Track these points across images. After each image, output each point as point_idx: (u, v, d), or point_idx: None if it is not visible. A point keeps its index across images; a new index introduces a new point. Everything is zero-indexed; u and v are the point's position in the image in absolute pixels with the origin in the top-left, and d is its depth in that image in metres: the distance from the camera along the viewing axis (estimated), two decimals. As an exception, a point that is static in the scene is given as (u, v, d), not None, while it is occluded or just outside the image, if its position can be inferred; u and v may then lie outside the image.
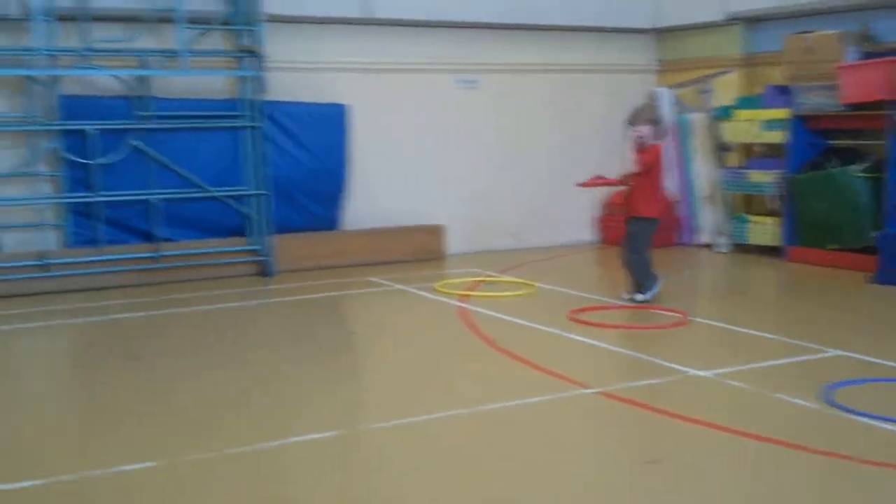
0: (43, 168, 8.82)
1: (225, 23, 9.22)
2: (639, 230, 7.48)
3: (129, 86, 8.89)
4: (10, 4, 8.28)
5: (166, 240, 9.14)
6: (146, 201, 9.03)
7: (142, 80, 8.90)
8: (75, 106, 8.72)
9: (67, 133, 8.73)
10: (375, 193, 10.26)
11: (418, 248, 10.24)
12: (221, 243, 9.37)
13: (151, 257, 9.02)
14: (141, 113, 8.90)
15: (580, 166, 9.96)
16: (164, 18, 8.76)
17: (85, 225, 8.96)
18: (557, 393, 5.21)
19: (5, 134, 8.65)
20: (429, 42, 10.49)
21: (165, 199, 9.07)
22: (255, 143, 9.37)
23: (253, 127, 9.35)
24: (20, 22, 8.44)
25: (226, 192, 9.33)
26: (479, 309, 7.42)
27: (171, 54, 8.87)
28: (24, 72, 8.42)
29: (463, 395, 5.20)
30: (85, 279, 8.68)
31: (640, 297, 7.47)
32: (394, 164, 10.42)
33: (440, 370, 5.81)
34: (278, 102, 9.52)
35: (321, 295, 8.37)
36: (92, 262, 8.80)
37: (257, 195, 9.41)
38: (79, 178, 8.85)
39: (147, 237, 9.11)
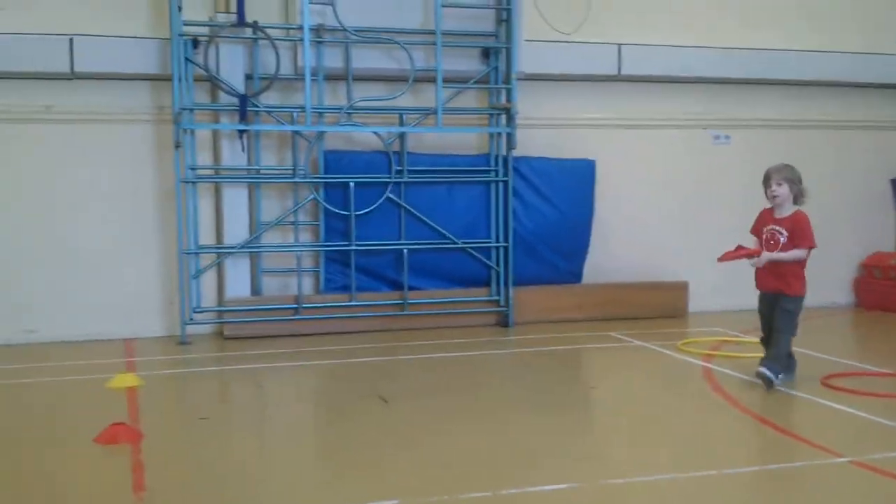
0: (304, 218, 9.44)
1: (481, 82, 9.56)
2: (793, 309, 6.57)
3: (386, 142, 9.38)
4: (283, 65, 8.98)
5: (413, 288, 9.49)
6: (396, 251, 9.43)
7: (399, 136, 9.36)
8: (337, 160, 9.30)
9: (329, 185, 9.31)
10: (618, 248, 10.20)
11: (660, 305, 10.04)
12: (464, 293, 9.62)
13: (399, 304, 9.40)
14: (396, 167, 9.35)
15: (837, 227, 9.44)
16: (423, 78, 9.21)
17: (339, 272, 9.47)
18: (805, 460, 4.91)
19: (272, 186, 9.35)
20: (676, 97, 10.43)
21: (414, 250, 9.44)
22: (503, 197, 9.58)
23: (501, 181, 9.59)
24: (291, 81, 9.16)
25: (471, 243, 9.58)
26: (723, 369, 7.15)
27: (427, 112, 9.30)
28: (293, 128, 9.09)
29: (703, 456, 5.01)
30: (337, 323, 9.17)
31: (767, 371, 6.42)
32: (637, 219, 10.33)
33: (681, 429, 5.64)
34: (526, 158, 9.71)
35: (560, 347, 8.37)
36: (344, 307, 9.29)
37: (501, 247, 9.60)
38: (336, 227, 9.40)
39: (395, 285, 9.50)
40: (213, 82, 8.96)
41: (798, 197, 6.52)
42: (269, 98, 9.13)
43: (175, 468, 4.91)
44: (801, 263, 6.55)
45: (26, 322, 8.81)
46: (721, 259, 6.60)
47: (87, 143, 8.93)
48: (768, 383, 6.37)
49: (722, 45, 10.25)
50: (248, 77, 9.05)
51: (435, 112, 9.18)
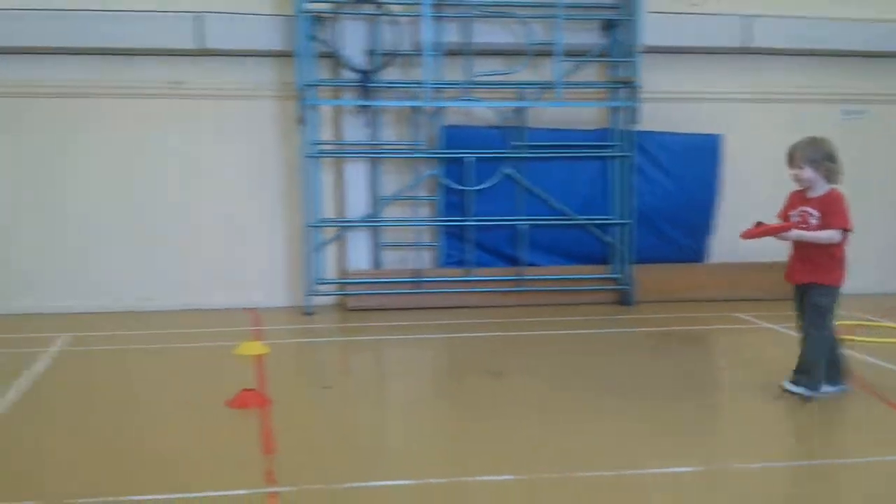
0: (423, 193, 9.50)
1: (602, 55, 9.41)
2: (825, 304, 5.57)
3: (505, 116, 9.34)
4: (404, 41, 9.04)
5: (530, 264, 9.46)
6: (514, 227, 9.41)
7: (518, 111, 9.31)
8: (456, 135, 9.32)
9: (447, 160, 9.34)
10: (745, 226, 9.83)
11: (789, 286, 9.69)
12: (583, 270, 9.53)
13: (515, 280, 9.38)
14: (515, 143, 9.31)
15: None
16: (543, 52, 9.12)
17: (457, 247, 9.52)
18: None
19: (392, 161, 9.44)
20: (808, 70, 10.02)
21: (532, 226, 9.40)
22: (624, 172, 9.44)
23: (622, 157, 9.44)
24: (411, 57, 9.20)
25: (591, 220, 9.47)
26: (856, 354, 6.88)
27: (546, 86, 9.21)
28: (413, 103, 9.14)
29: (833, 443, 4.86)
30: (454, 297, 9.22)
31: (794, 387, 5.58)
32: (763, 197, 9.97)
33: (811, 414, 5.45)
34: (650, 132, 9.53)
35: (681, 328, 8.21)
36: (461, 281, 9.34)
37: (622, 224, 9.46)
38: (454, 202, 9.43)
39: (512, 261, 9.49)
40: (335, 59, 9.09)
41: (830, 175, 5.53)
42: (390, 74, 9.20)
43: (301, 433, 5.03)
44: (835, 248, 5.51)
45: (162, 290, 9.16)
46: (744, 236, 5.68)
47: (214, 119, 9.20)
48: (804, 399, 5.49)
49: (855, 16, 9.80)
50: (370, 53, 9.13)
51: (554, 86, 9.09)
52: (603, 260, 9.62)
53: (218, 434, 4.98)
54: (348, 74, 9.09)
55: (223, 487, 4.06)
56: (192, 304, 9.17)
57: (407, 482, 4.19)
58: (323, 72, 9.17)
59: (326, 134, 9.28)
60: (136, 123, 9.09)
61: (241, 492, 4.02)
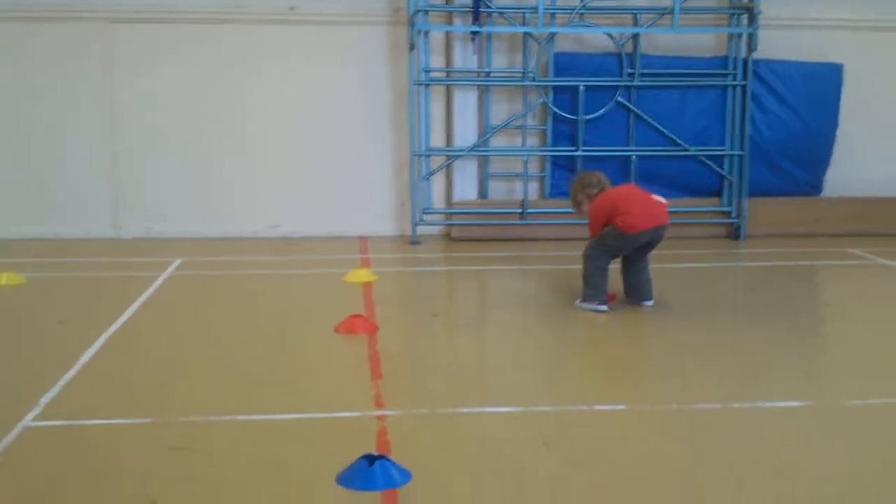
0: (531, 122, 9.41)
1: (721, -21, 9.08)
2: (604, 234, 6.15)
3: (619, 43, 9.12)
4: (517, -34, 8.89)
5: (640, 196, 9.30)
6: (624, 157, 9.25)
7: (632, 37, 9.08)
8: (568, 63, 9.15)
9: (558, 89, 9.20)
10: (864, 160, 9.54)
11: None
12: (694, 203, 9.34)
13: (625, 212, 9.25)
14: (629, 70, 9.10)
15: None
16: (660, -24, 8.85)
17: (565, 178, 9.39)
18: None
19: (501, 88, 9.35)
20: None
21: (643, 157, 9.22)
22: (740, 102, 9.14)
23: (739, 85, 9.13)
24: (524, -18, 9.05)
25: (704, 151, 9.24)
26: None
27: (663, 11, 8.94)
28: (525, 29, 9.00)
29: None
30: (560, 229, 9.14)
31: (580, 304, 6.21)
32: (886, 130, 9.59)
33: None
34: (768, 61, 9.20)
35: (794, 263, 8.00)
36: (568, 213, 9.22)
37: (736, 156, 9.20)
38: (563, 132, 9.31)
39: (622, 192, 9.34)
40: (447, -17, 9.01)
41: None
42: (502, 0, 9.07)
43: (408, 359, 5.14)
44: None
45: (271, 217, 9.39)
46: None
47: (326, 45, 9.24)
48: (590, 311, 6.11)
49: None
50: (482, -22, 9.01)
51: (671, 11, 8.82)
52: (715, 193, 9.40)
53: (328, 358, 5.12)
54: (460, 0, 8.99)
55: (335, 409, 4.19)
56: (307, 232, 9.35)
57: (511, 409, 4.24)
58: (434, -3, 9.11)
59: (436, 61, 9.24)
60: (251, 49, 9.20)
61: (352, 414, 4.14)
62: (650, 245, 6.26)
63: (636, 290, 6.33)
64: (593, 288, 6.14)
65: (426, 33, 8.96)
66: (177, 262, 7.87)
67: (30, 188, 9.18)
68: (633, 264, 6.34)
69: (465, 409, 4.24)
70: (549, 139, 9.35)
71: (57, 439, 3.83)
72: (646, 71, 9.12)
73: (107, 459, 3.63)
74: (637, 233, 6.06)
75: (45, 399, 4.26)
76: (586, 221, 6.35)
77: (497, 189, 9.52)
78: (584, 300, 6.18)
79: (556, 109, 9.20)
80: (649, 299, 6.29)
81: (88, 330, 5.52)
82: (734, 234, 9.26)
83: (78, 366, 4.82)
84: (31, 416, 4.04)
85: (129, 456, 3.66)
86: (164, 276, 7.32)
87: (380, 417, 4.08)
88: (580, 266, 6.21)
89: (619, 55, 9.11)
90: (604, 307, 6.09)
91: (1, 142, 9.12)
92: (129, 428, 3.97)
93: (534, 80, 9.15)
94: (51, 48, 9.02)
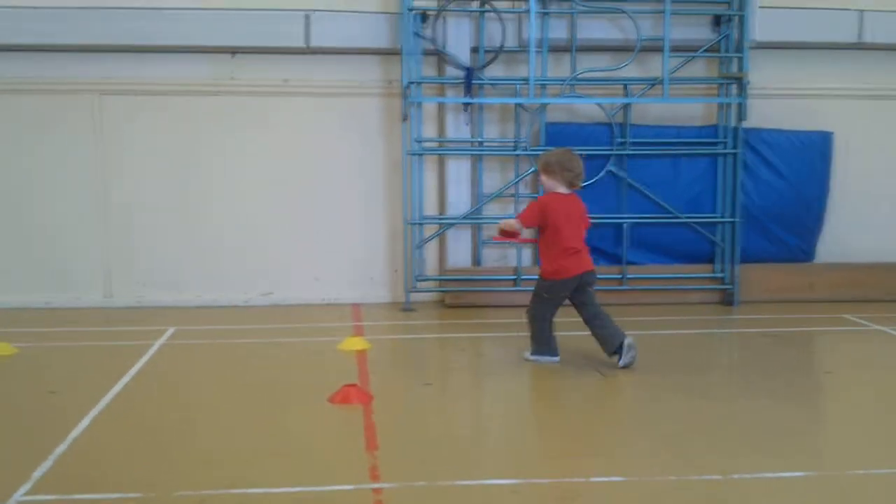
0: (524, 190, 9.47)
1: (711, 50, 9.22)
2: (536, 288, 6.65)
3: (609, 113, 9.23)
4: (508, 38, 9.02)
5: (632, 262, 9.34)
6: (616, 224, 9.30)
7: (623, 107, 9.20)
8: (559, 132, 9.23)
9: (547, 158, 9.28)
10: (856, 226, 9.61)
11: (897, 286, 9.38)
12: (687, 269, 9.37)
13: (618, 279, 9.28)
14: (619, 139, 9.20)
15: None
16: (650, 48, 8.99)
17: (558, 244, 9.44)
18: None
19: (494, 158, 9.44)
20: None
21: (635, 224, 9.28)
22: (731, 170, 9.23)
23: (730, 154, 9.23)
24: (515, 54, 9.18)
25: (696, 218, 9.30)
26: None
27: (653, 82, 9.08)
28: (517, 100, 9.11)
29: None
30: (555, 295, 9.15)
31: (530, 356, 6.72)
32: (878, 196, 9.69)
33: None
34: (759, 129, 9.31)
35: (789, 329, 7.99)
36: (563, 279, 9.25)
37: (728, 223, 9.26)
38: (556, 199, 9.35)
39: (614, 259, 9.38)
40: (440, 56, 9.14)
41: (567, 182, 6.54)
42: (494, 70, 9.20)
43: (404, 429, 5.08)
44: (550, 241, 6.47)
45: (264, 285, 9.37)
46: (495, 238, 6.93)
47: (320, 116, 9.33)
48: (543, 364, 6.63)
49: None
50: (474, 50, 9.14)
51: (661, 82, 8.95)
52: (707, 259, 9.45)
53: (322, 429, 5.07)
54: (452, 72, 9.12)
55: (329, 482, 4.14)
56: (299, 299, 9.34)
57: (510, 481, 4.19)
58: (427, 69, 9.22)
59: (429, 131, 9.34)
60: (247, 120, 9.27)
61: (347, 487, 4.08)
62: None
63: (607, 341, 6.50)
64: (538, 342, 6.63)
65: (419, 104, 9.07)
66: (170, 331, 7.83)
67: (20, 257, 9.17)
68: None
69: (464, 482, 4.19)
70: (541, 207, 9.39)
71: (48, 515, 3.77)
72: (637, 140, 9.23)
73: (99, 536, 3.56)
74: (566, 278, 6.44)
75: (37, 473, 4.20)
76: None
77: (491, 256, 9.54)
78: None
79: (548, 178, 9.26)
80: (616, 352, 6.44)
81: (80, 401, 5.47)
82: (727, 299, 9.28)
83: (70, 438, 4.76)
84: (23, 490, 3.98)
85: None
86: (157, 344, 7.28)
87: (376, 490, 4.03)
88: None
89: (609, 125, 9.22)
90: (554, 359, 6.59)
91: (5, 213, 9.16)
92: (121, 503, 3.91)
93: (525, 149, 9.24)
94: (40, 118, 9.09)
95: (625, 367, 6.34)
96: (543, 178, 6.54)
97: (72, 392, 5.82)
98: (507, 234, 6.57)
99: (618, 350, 6.39)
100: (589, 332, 6.54)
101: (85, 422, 5.07)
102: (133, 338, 7.55)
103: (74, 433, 4.85)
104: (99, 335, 7.84)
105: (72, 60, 9.02)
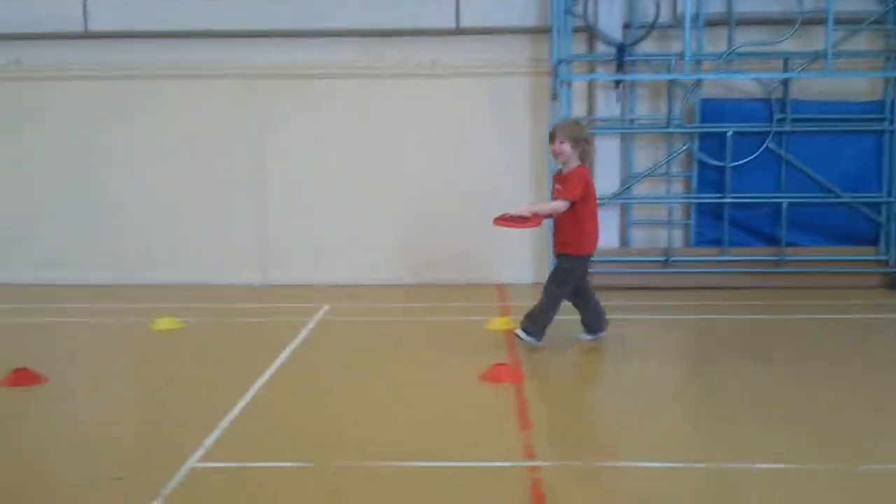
0: (676, 169, 9.26)
1: (876, 22, 8.75)
2: (563, 267, 6.34)
3: (768, 88, 8.90)
4: (662, 12, 8.82)
5: (791, 244, 9.01)
6: (774, 204, 8.98)
7: (782, 82, 8.85)
8: (714, 109, 9.00)
9: (703, 135, 9.04)
10: None
11: None
12: (848, 251, 8.98)
13: (774, 261, 8.98)
14: (778, 116, 8.87)
15: None
16: (812, 20, 8.62)
17: (710, 225, 9.22)
18: None
19: (644, 136, 9.25)
20: None
21: (794, 203, 8.94)
22: (896, 147, 8.79)
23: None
24: (668, 29, 8.96)
25: (858, 198, 8.89)
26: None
27: (814, 56, 8.70)
28: (672, 76, 8.90)
29: None
30: (706, 277, 8.95)
31: (522, 333, 6.36)
32: None
33: None
34: (927, 104, 8.82)
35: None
36: (714, 261, 9.04)
37: (893, 202, 8.81)
38: (709, 179, 9.13)
39: (771, 241, 9.07)
40: (591, 33, 9.01)
41: (584, 155, 6.19)
42: (645, 46, 9.01)
43: (556, 409, 5.07)
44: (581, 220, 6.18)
45: (414, 264, 9.52)
46: (494, 223, 6.30)
47: (467, 97, 9.38)
48: (527, 344, 6.32)
49: None
50: (626, 26, 8.98)
51: (824, 56, 8.56)
52: (871, 241, 9.02)
53: (474, 407, 5.11)
54: (603, 48, 8.98)
55: (483, 459, 4.17)
56: (448, 280, 9.46)
57: (663, 465, 4.12)
58: (577, 46, 9.12)
59: (579, 109, 9.24)
60: (399, 101, 9.42)
61: (502, 464, 4.11)
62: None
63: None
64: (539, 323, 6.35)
65: (569, 83, 8.98)
66: (325, 308, 8.06)
67: (182, 238, 9.63)
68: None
69: (619, 463, 4.15)
70: (694, 186, 9.17)
71: (222, 481, 3.93)
72: (797, 116, 8.87)
73: (272, 502, 3.70)
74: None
75: (208, 440, 4.40)
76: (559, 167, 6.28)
77: (640, 237, 9.39)
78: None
79: (701, 155, 9.04)
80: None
81: (246, 372, 5.69)
82: (893, 283, 8.83)
83: (237, 408, 4.96)
84: (196, 456, 4.18)
85: (292, 499, 3.72)
86: (313, 320, 7.50)
87: (531, 468, 4.04)
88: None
89: (768, 100, 8.89)
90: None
91: (169, 196, 9.64)
92: (290, 471, 4.05)
93: (679, 126, 9.02)
94: (221, 102, 9.54)
95: (579, 340, 6.58)
96: (566, 147, 6.13)
97: (238, 364, 6.07)
98: (519, 221, 6.21)
99: (597, 330, 6.57)
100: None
101: (251, 393, 5.28)
102: (290, 314, 7.80)
103: (241, 403, 5.06)
104: (258, 311, 8.14)
105: (217, 45, 9.42)
